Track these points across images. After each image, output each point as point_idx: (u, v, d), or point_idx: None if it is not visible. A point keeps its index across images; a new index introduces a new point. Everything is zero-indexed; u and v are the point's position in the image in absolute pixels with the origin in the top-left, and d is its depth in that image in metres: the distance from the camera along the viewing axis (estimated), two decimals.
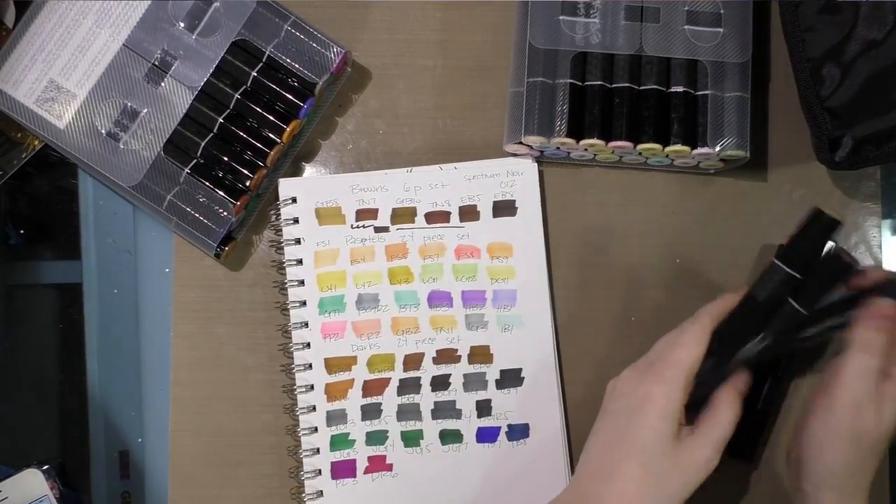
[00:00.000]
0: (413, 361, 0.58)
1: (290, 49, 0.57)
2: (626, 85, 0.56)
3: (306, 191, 0.58)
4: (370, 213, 0.58)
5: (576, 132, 0.55)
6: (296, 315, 0.57)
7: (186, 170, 0.56)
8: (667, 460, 0.46)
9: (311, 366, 0.57)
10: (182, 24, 0.57)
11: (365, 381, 0.57)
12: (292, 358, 0.57)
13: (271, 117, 0.57)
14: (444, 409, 0.57)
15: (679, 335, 0.50)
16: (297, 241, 0.58)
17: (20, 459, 0.57)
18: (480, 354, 0.58)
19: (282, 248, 0.58)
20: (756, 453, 0.58)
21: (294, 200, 0.58)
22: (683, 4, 0.56)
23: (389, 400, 0.57)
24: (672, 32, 0.56)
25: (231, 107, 0.57)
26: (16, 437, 0.59)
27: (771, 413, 0.58)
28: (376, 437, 0.57)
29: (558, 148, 0.56)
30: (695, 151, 0.55)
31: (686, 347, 0.49)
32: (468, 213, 0.59)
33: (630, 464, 0.46)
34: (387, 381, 0.57)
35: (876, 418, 0.48)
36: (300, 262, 0.58)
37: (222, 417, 0.58)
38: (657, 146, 0.55)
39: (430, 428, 0.57)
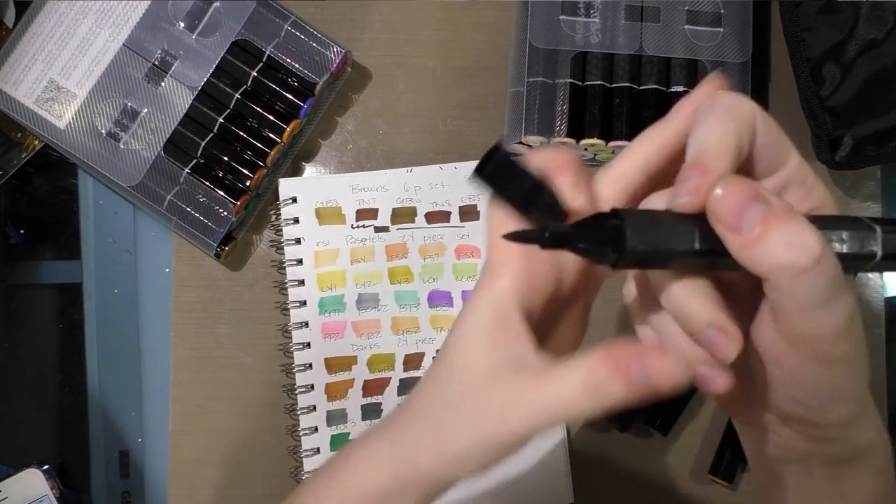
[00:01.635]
0: (413, 361, 0.57)
1: (290, 49, 0.57)
2: (627, 85, 0.56)
3: (306, 191, 0.58)
4: (370, 213, 0.58)
5: (576, 132, 0.55)
6: (296, 315, 0.57)
7: (186, 170, 0.56)
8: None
9: (311, 366, 0.57)
10: (182, 24, 0.57)
11: (365, 381, 0.57)
12: (292, 358, 0.57)
13: (271, 117, 0.57)
14: None
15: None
16: (298, 241, 0.58)
17: (20, 459, 0.57)
18: None
19: (282, 248, 0.58)
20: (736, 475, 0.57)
21: (294, 200, 0.58)
22: (683, 4, 0.56)
23: (390, 400, 0.57)
24: (672, 32, 0.56)
25: (231, 107, 0.57)
26: (16, 437, 0.59)
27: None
28: None
29: None
30: None
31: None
32: (468, 213, 0.59)
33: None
34: (387, 381, 0.57)
35: None
36: (300, 261, 0.58)
37: (222, 417, 0.58)
38: None
39: None
